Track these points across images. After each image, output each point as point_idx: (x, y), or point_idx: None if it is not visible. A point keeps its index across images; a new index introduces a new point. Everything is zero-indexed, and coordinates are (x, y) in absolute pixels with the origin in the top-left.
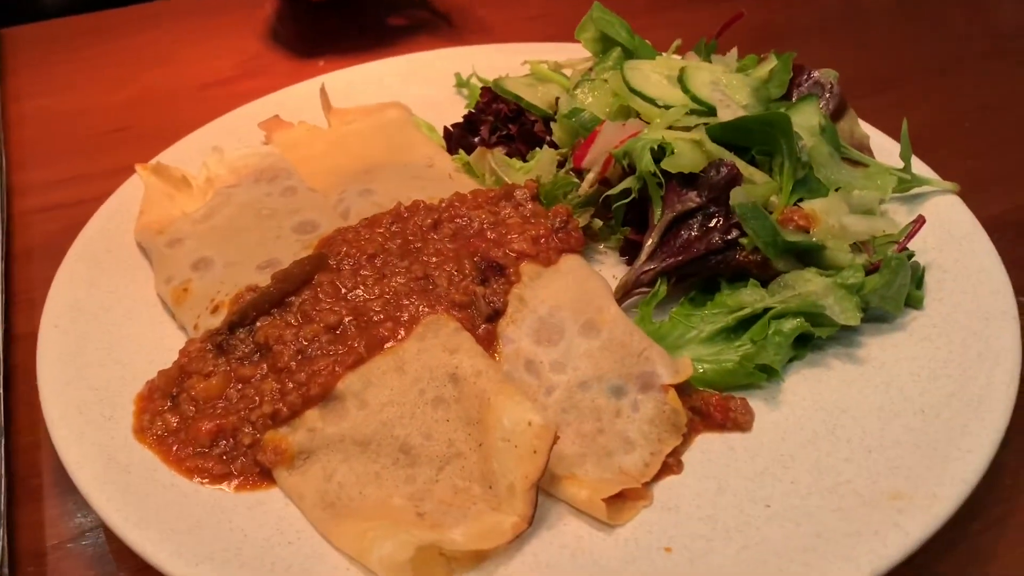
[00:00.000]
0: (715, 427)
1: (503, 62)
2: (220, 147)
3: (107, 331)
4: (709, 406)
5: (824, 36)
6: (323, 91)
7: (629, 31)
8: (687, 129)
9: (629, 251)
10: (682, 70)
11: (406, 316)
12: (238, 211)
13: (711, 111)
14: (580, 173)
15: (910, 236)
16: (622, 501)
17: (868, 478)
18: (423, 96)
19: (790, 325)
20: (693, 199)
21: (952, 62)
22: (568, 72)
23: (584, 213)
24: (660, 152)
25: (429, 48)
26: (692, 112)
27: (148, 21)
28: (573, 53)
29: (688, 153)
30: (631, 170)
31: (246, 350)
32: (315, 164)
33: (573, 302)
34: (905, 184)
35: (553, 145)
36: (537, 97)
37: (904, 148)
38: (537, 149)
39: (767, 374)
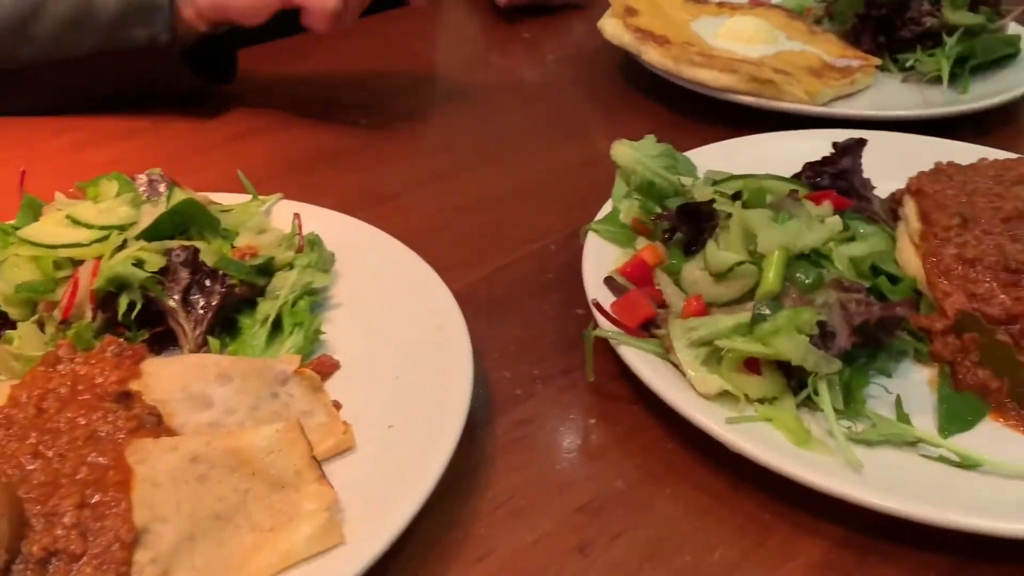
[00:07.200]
0: None
1: None
2: None
3: None
4: None
5: (323, 165)
6: None
7: None
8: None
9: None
10: (70, 212)
11: (105, 459)
12: None
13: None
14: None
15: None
16: None
17: None
18: None
19: None
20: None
21: (441, 172)
22: None
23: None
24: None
25: None
26: (97, 240)
27: None
28: None
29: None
30: (120, 290)
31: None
32: None
33: (185, 376)
34: None
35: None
36: None
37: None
38: None
39: None
